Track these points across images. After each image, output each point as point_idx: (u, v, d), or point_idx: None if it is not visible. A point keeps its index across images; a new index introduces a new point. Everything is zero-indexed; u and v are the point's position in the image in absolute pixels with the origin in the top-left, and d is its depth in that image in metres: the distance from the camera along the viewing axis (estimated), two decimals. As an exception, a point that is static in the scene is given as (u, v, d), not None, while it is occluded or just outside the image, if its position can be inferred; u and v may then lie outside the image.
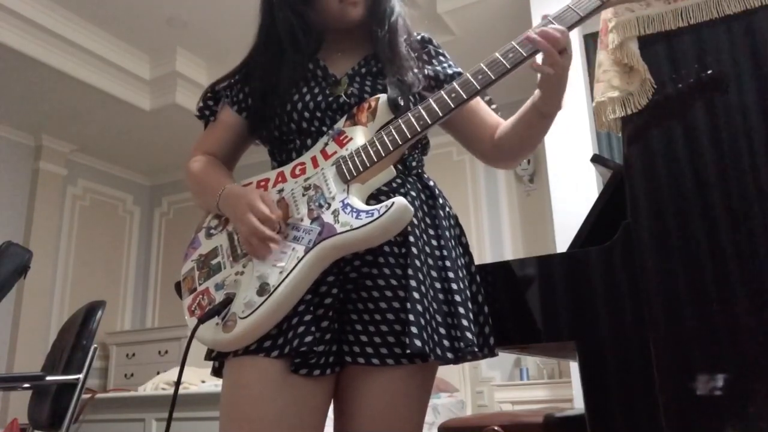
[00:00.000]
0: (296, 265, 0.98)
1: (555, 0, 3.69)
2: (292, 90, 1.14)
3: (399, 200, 0.99)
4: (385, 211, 0.98)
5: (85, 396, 2.96)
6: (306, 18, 1.16)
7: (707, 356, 1.14)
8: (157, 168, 6.29)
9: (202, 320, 1.00)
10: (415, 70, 1.18)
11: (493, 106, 1.27)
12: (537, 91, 1.12)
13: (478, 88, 1.05)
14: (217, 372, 1.13)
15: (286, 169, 1.12)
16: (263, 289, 0.98)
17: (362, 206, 1.02)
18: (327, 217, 1.02)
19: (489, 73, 1.04)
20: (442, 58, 1.26)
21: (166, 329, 5.46)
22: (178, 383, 1.01)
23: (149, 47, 4.78)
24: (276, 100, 1.14)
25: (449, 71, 1.24)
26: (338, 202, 1.03)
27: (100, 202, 6.06)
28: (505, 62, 1.04)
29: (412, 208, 1.00)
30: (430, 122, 1.05)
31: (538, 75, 1.08)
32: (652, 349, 1.15)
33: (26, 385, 2.31)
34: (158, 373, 4.23)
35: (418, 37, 1.26)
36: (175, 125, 5.21)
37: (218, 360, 1.10)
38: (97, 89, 4.70)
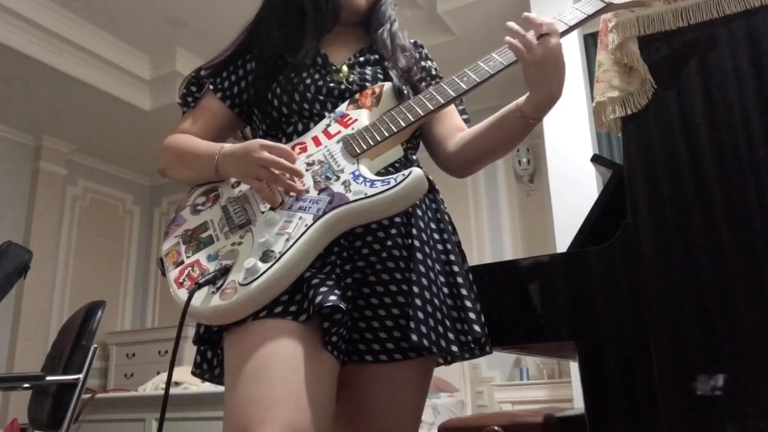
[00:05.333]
0: (304, 232, 0.96)
1: (554, 0, 3.70)
2: (292, 74, 1.14)
3: (416, 170, 0.97)
4: (402, 180, 0.96)
5: (85, 396, 2.95)
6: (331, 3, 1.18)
7: (707, 356, 1.14)
8: (157, 168, 6.29)
9: (199, 284, 0.96)
10: (412, 61, 1.21)
11: (465, 116, 1.28)
12: (523, 97, 1.10)
13: (491, 72, 1.07)
14: (204, 360, 1.08)
15: None
16: (267, 256, 0.95)
17: (376, 176, 1.00)
18: (336, 187, 1.00)
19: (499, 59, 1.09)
20: (431, 61, 1.29)
21: (166, 329, 5.46)
22: (174, 356, 0.95)
23: (149, 47, 4.78)
24: (275, 82, 1.14)
25: (436, 73, 1.28)
26: (348, 173, 1.02)
27: (100, 202, 6.06)
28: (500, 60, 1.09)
29: (426, 182, 0.99)
30: (442, 101, 1.06)
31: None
32: (652, 349, 1.15)
33: (26, 385, 2.30)
34: (158, 373, 4.23)
35: (412, 41, 1.29)
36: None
37: (211, 336, 1.05)
38: (97, 89, 4.70)
